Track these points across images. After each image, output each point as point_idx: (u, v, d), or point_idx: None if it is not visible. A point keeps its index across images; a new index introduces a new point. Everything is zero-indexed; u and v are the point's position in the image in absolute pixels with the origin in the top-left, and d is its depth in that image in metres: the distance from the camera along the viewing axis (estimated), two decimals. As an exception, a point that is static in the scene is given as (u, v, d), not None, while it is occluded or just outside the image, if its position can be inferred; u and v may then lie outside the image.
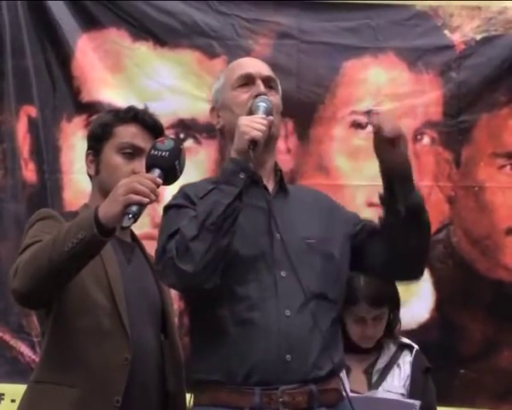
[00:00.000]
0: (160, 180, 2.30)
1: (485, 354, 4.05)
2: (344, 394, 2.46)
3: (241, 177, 2.33)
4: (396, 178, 2.45)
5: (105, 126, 2.69)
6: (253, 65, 2.60)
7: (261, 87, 2.49)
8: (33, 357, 4.13)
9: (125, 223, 2.24)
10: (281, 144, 3.92)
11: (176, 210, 2.42)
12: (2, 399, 4.13)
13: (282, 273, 2.40)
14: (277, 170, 2.56)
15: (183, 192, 2.48)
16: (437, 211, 4.12)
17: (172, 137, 2.52)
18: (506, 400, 4.01)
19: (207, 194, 2.36)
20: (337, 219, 2.56)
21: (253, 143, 2.32)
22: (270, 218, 2.44)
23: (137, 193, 2.24)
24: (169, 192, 4.02)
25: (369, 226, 2.58)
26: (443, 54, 4.18)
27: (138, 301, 2.60)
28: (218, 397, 2.37)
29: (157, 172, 2.32)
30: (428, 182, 4.12)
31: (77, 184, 4.12)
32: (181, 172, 2.38)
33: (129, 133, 2.65)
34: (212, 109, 2.61)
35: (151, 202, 2.27)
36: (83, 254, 2.34)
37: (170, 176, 2.35)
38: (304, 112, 4.15)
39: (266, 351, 2.33)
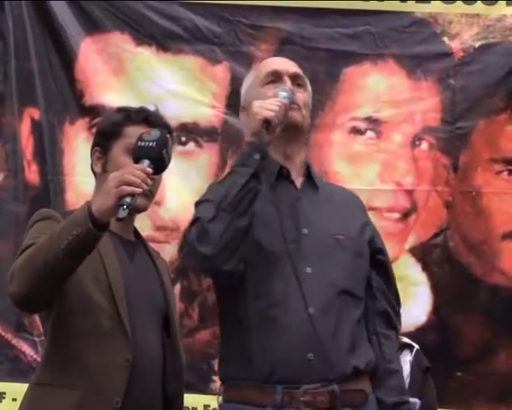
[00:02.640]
0: (149, 169, 2.32)
1: (481, 357, 4.08)
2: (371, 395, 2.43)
3: (256, 158, 2.33)
4: None
5: (115, 125, 2.66)
6: (281, 63, 2.62)
7: (288, 83, 2.51)
8: (35, 356, 4.13)
9: (120, 214, 2.25)
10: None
11: (206, 204, 2.40)
12: (4, 398, 4.14)
13: (308, 269, 2.39)
14: (307, 164, 2.55)
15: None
16: (434, 216, 4.15)
17: (160, 126, 2.51)
18: (502, 402, 4.04)
19: (225, 177, 2.39)
20: (364, 224, 2.55)
21: (267, 122, 2.33)
22: (298, 212, 2.45)
23: (129, 184, 2.25)
24: (169, 195, 4.09)
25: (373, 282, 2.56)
26: (442, 61, 4.22)
27: (140, 301, 2.58)
28: (242, 394, 2.37)
29: (146, 162, 2.34)
30: (426, 187, 4.16)
31: (79, 186, 4.14)
32: (169, 159, 2.40)
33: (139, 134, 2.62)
34: (243, 109, 2.62)
35: (144, 196, 2.31)
36: (79, 251, 2.32)
37: (159, 165, 2.37)
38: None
39: (288, 349, 2.32)
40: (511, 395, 4.04)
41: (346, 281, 2.42)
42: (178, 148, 4.09)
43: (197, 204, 2.44)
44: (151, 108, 2.74)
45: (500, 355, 4.08)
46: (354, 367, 2.37)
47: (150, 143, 2.37)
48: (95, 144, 2.71)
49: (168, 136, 2.43)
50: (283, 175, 2.49)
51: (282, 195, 2.47)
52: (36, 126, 4.30)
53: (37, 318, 4.08)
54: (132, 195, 2.26)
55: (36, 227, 2.55)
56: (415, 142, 4.19)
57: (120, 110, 2.75)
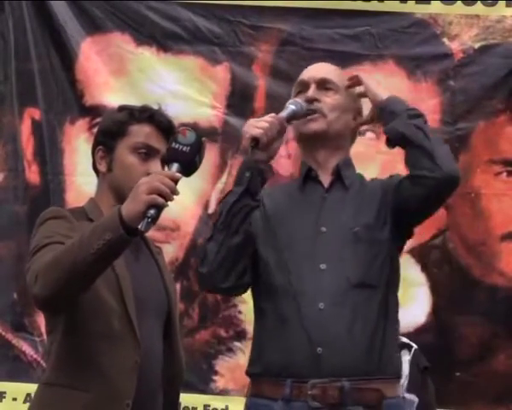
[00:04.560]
0: (179, 175, 2.27)
1: (480, 358, 4.08)
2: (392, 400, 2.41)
3: (247, 175, 2.41)
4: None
5: (119, 124, 2.62)
6: (310, 70, 2.65)
7: (310, 92, 2.54)
8: (35, 356, 4.15)
9: (144, 227, 2.21)
10: (281, 150, 3.93)
11: None
12: (4, 397, 4.14)
13: (322, 266, 2.42)
14: (338, 165, 2.57)
15: None
16: (434, 217, 4.07)
17: (192, 128, 2.38)
18: (501, 403, 4.05)
19: (225, 196, 2.46)
20: (388, 198, 2.53)
21: (254, 141, 2.38)
22: (320, 212, 2.50)
23: (160, 193, 2.22)
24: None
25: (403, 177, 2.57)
26: (441, 62, 4.22)
27: (145, 302, 2.57)
28: (259, 388, 2.44)
29: (176, 166, 2.29)
30: (426, 188, 4.16)
31: (79, 186, 4.17)
32: (200, 162, 2.34)
33: (144, 133, 2.59)
34: None
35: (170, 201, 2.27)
36: (109, 256, 2.31)
37: (189, 170, 2.32)
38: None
39: (297, 344, 2.37)
40: (510, 395, 4.05)
41: (361, 274, 2.42)
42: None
43: None
44: (154, 106, 2.72)
45: (499, 356, 4.08)
46: (369, 365, 2.37)
47: (184, 148, 2.29)
48: (97, 143, 2.67)
49: (204, 139, 2.35)
50: (312, 177, 2.55)
51: (309, 195, 2.54)
52: (36, 127, 4.32)
53: (37, 318, 4.09)
54: (160, 207, 2.23)
55: (48, 226, 2.52)
56: (414, 143, 4.20)
57: (123, 109, 2.71)
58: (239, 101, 4.23)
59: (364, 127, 4.15)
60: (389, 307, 2.47)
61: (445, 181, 2.44)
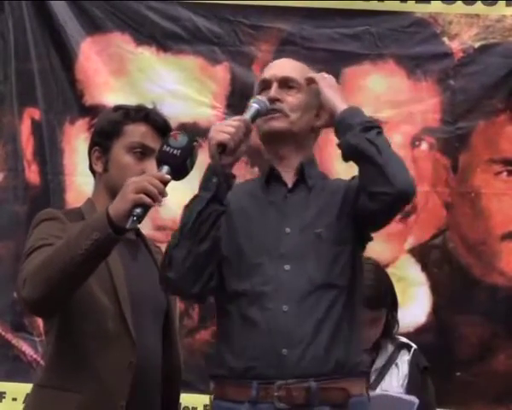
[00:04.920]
0: (168, 177, 2.30)
1: (480, 358, 4.08)
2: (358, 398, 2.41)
3: (214, 181, 2.36)
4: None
5: (115, 124, 2.64)
6: (272, 68, 2.62)
7: (272, 92, 2.51)
8: (35, 356, 4.15)
9: (129, 225, 2.25)
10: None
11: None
12: (4, 397, 4.13)
13: (286, 267, 2.41)
14: (302, 164, 2.55)
15: None
16: (434, 216, 4.15)
17: (185, 133, 2.43)
18: (502, 403, 4.04)
19: (190, 202, 2.41)
20: (348, 201, 2.51)
21: (221, 146, 2.35)
22: (282, 212, 2.47)
23: (147, 193, 2.25)
24: (170, 195, 4.08)
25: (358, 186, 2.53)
26: (441, 61, 4.21)
27: (142, 301, 2.58)
28: (225, 391, 2.41)
29: (166, 168, 2.31)
30: (426, 187, 4.15)
31: (79, 186, 4.15)
32: (192, 167, 2.37)
33: (139, 133, 2.62)
34: None
35: (158, 203, 2.29)
36: (97, 255, 2.33)
37: (179, 173, 2.34)
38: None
39: (262, 346, 2.35)
40: (510, 395, 4.04)
41: (324, 275, 2.41)
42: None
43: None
44: (149, 105, 2.74)
45: (499, 356, 4.08)
46: (335, 365, 2.37)
47: (175, 151, 2.32)
48: (93, 144, 2.69)
49: (196, 143, 2.38)
50: (274, 176, 2.52)
51: (272, 195, 2.50)
52: (36, 126, 4.31)
53: (36, 318, 4.08)
54: (146, 206, 2.25)
55: (41, 228, 2.53)
56: (414, 142, 4.19)
57: (118, 108, 2.72)
58: (239, 101, 4.20)
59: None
60: (353, 306, 2.46)
61: (400, 197, 2.40)
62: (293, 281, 2.39)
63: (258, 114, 2.47)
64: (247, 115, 2.45)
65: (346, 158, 2.48)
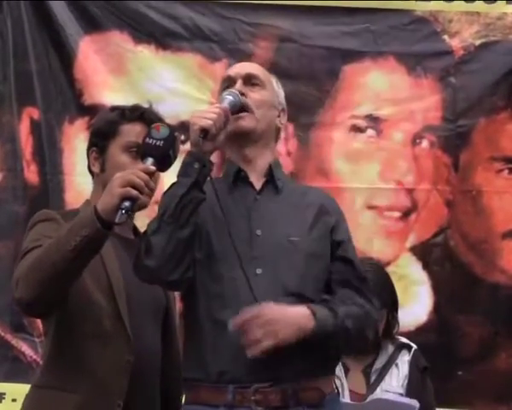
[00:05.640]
0: (152, 168, 2.32)
1: (482, 356, 4.06)
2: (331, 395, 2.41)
3: (196, 167, 2.34)
4: None
5: (111, 124, 2.66)
6: (235, 67, 2.64)
7: (237, 85, 2.51)
8: (34, 357, 4.13)
9: (119, 219, 2.26)
10: (281, 147, 3.93)
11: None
12: (4, 398, 4.12)
13: (258, 271, 2.38)
14: (270, 165, 2.54)
15: None
16: (435, 215, 4.14)
17: (166, 124, 2.46)
18: (503, 401, 4.03)
19: (169, 188, 2.38)
20: (326, 222, 2.49)
21: (203, 131, 2.33)
22: (252, 214, 2.45)
23: (133, 186, 2.26)
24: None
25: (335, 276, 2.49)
26: (442, 59, 4.21)
27: (140, 300, 2.57)
28: (198, 395, 2.37)
29: (150, 160, 2.33)
30: (427, 186, 4.15)
31: (78, 185, 4.13)
32: (175, 158, 2.39)
33: (135, 132, 2.63)
34: None
35: (145, 194, 2.32)
36: (87, 251, 2.33)
37: (164, 164, 2.36)
38: (304, 115, 4.18)
39: (237, 349, 2.29)
40: (512, 394, 4.04)
41: (297, 284, 2.39)
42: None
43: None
44: (145, 105, 2.75)
45: (501, 354, 4.07)
46: (308, 365, 2.35)
47: (158, 142, 2.34)
48: (91, 145, 2.71)
49: (177, 134, 2.40)
50: (241, 178, 2.50)
51: (240, 196, 2.48)
52: (35, 126, 4.30)
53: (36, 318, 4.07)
54: (133, 199, 2.26)
55: (37, 229, 2.54)
56: (415, 140, 4.18)
57: (114, 109, 2.75)
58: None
59: (364, 124, 4.20)
60: None
61: None
62: (264, 285, 2.36)
63: (233, 106, 2.46)
64: (226, 105, 2.43)
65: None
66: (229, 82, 2.55)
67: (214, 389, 2.34)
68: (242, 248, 2.38)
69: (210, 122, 2.34)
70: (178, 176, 2.37)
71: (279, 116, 2.59)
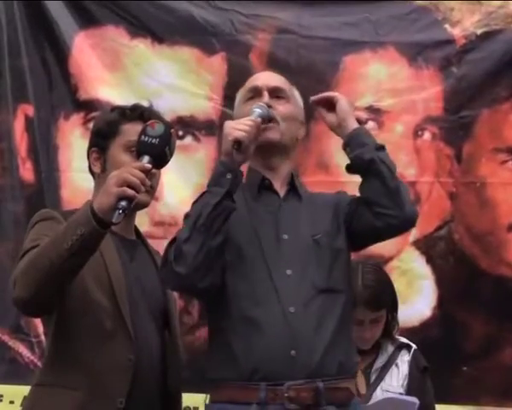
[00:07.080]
0: (148, 166, 2.34)
1: (487, 352, 4.02)
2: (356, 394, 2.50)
3: (228, 177, 2.42)
4: (342, 137, 2.58)
5: (111, 124, 2.69)
6: (262, 78, 2.71)
7: (265, 98, 2.59)
8: (32, 358, 4.11)
9: (115, 218, 2.27)
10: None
11: (185, 221, 2.49)
12: (1, 400, 4.09)
13: (288, 272, 2.47)
14: (291, 174, 2.65)
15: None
16: (438, 207, 4.11)
17: (161, 121, 2.50)
18: (509, 397, 3.98)
19: (199, 197, 2.46)
20: (340, 211, 2.62)
21: (237, 143, 2.41)
22: (278, 220, 2.55)
23: (129, 184, 2.27)
24: (167, 190, 4.04)
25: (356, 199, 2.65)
26: (443, 48, 4.16)
27: (141, 299, 2.60)
28: (229, 394, 2.42)
29: (146, 158, 2.35)
30: (429, 178, 4.11)
31: (75, 182, 4.12)
32: (171, 155, 2.42)
33: (135, 131, 2.59)
34: None
35: (143, 193, 2.36)
36: (84, 250, 2.34)
37: (160, 161, 2.40)
38: (304, 108, 4.13)
39: (270, 347, 2.38)
40: (518, 389, 4.00)
41: (326, 279, 2.50)
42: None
43: (184, 217, 2.51)
44: (145, 104, 2.80)
45: (506, 349, 4.02)
46: (339, 364, 2.44)
47: (153, 140, 2.37)
48: (91, 145, 2.74)
49: (172, 131, 2.43)
50: (266, 186, 2.61)
51: (265, 204, 2.59)
52: (30, 123, 4.28)
53: (34, 319, 4.04)
54: (130, 198, 2.27)
55: (36, 229, 2.56)
56: (417, 132, 4.14)
57: (115, 109, 2.79)
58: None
59: (365, 117, 4.15)
60: (350, 308, 2.59)
61: (406, 222, 2.56)
62: (296, 284, 2.46)
63: (263, 120, 2.53)
64: (257, 118, 2.50)
65: (353, 171, 2.59)
66: (255, 92, 2.63)
67: (246, 387, 2.40)
68: (271, 251, 2.49)
69: (244, 134, 2.42)
70: (210, 185, 2.46)
71: (300, 128, 2.69)
